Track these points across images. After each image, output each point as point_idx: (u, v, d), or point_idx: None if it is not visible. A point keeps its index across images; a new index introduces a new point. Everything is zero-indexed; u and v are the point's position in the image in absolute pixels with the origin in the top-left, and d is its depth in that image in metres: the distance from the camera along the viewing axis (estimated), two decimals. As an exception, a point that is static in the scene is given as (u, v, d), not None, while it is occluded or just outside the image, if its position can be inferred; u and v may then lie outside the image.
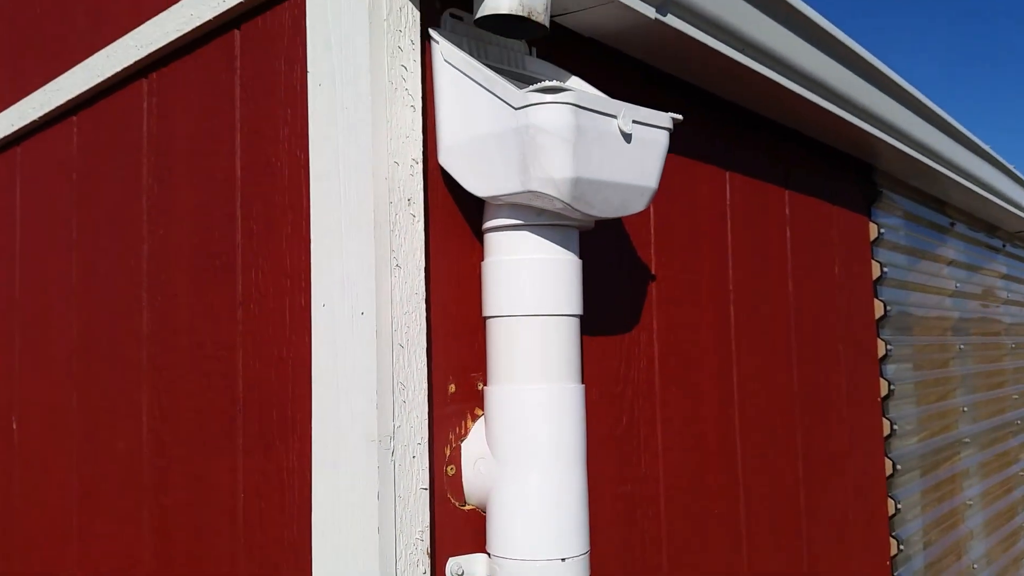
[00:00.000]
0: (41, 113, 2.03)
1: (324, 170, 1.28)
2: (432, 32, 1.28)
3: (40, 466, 2.10)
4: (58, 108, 1.99)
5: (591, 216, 1.28)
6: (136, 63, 1.71)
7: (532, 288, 1.27)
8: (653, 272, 1.78)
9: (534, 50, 1.48)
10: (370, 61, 1.21)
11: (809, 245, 2.38)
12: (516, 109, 1.16)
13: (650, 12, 1.43)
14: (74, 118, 1.99)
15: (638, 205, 1.31)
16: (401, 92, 1.25)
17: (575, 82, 1.44)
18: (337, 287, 1.24)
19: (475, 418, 1.36)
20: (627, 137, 1.24)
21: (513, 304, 1.28)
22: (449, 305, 1.34)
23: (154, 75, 1.72)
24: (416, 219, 1.26)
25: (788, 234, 2.28)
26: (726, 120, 2.07)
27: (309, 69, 1.31)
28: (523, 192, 1.20)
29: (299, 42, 1.37)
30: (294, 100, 1.38)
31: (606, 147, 1.21)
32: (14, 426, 2.25)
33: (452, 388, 1.33)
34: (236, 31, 1.51)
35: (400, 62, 1.25)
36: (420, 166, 1.27)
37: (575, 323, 1.31)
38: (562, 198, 1.18)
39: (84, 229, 1.96)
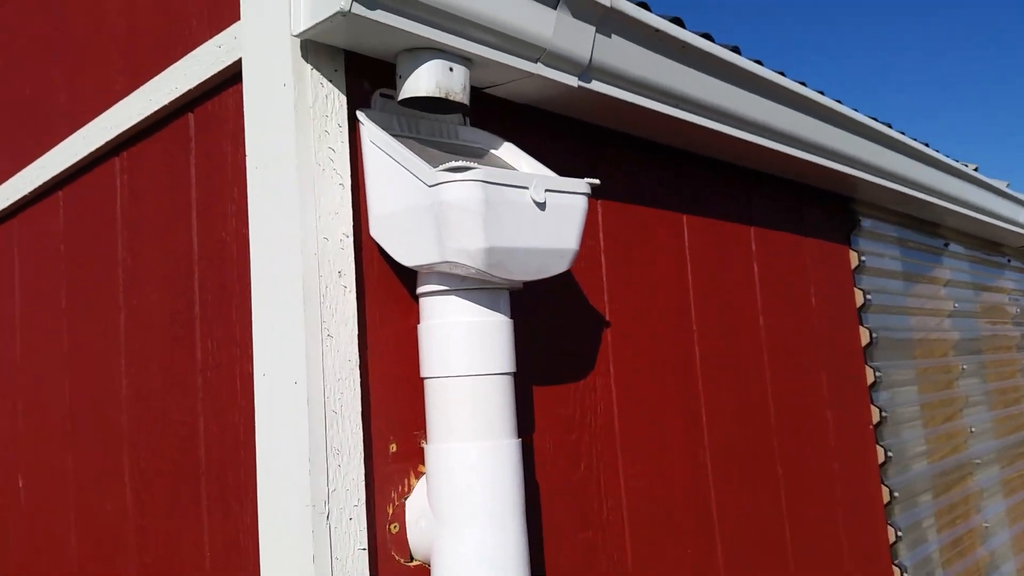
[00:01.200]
0: (31, 188, 2.16)
1: (262, 246, 1.36)
2: (359, 114, 1.36)
3: (42, 524, 2.20)
4: (45, 184, 2.11)
5: (511, 280, 1.34)
6: (108, 143, 1.82)
7: (461, 350, 1.33)
8: (608, 319, 1.83)
9: (467, 119, 1.55)
10: (296, 145, 1.29)
11: (780, 278, 2.41)
12: (429, 187, 1.23)
13: (572, 81, 1.50)
14: (60, 193, 2.10)
15: (559, 267, 1.37)
16: (329, 172, 1.33)
17: (507, 148, 1.51)
18: (274, 357, 1.31)
19: (419, 475, 1.42)
20: (541, 205, 1.30)
21: (445, 365, 1.34)
22: (389, 367, 1.41)
23: (125, 154, 1.83)
24: (348, 290, 1.33)
25: (756, 269, 2.31)
26: (680, 166, 2.12)
27: (247, 152, 1.40)
28: (442, 262, 1.27)
29: (242, 125, 1.46)
30: (239, 179, 1.47)
31: (519, 216, 1.27)
32: (20, 484, 2.36)
33: (393, 448, 1.39)
34: (190, 114, 1.61)
35: (328, 144, 1.33)
36: (351, 240, 1.35)
37: (507, 380, 1.37)
38: (477, 266, 1.24)
39: (73, 297, 2.07)
